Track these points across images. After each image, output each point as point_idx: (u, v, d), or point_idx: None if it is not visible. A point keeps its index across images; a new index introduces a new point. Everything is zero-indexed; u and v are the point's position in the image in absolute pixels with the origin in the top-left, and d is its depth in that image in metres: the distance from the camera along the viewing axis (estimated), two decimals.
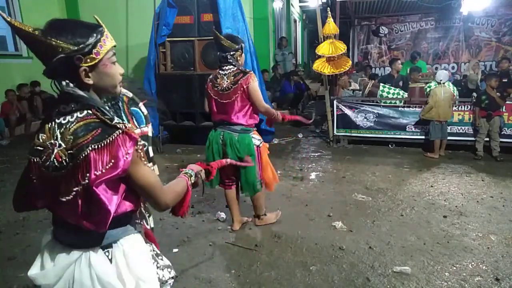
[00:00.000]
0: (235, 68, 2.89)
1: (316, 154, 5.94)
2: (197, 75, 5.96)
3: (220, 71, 2.93)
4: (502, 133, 5.49)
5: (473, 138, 5.63)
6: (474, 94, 5.93)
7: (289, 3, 12.67)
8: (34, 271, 1.26)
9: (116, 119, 1.14)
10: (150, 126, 1.43)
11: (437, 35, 9.51)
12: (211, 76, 3.02)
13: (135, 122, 1.39)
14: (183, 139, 6.47)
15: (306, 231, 3.35)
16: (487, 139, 5.46)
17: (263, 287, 2.58)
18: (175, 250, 3.07)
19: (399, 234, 3.27)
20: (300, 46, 16.43)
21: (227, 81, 2.86)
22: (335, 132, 6.34)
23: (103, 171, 1.08)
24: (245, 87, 2.83)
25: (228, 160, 1.90)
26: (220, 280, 2.66)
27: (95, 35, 1.13)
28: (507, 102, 5.49)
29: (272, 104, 7.80)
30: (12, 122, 7.05)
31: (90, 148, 1.08)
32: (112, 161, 1.09)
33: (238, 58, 2.91)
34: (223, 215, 3.59)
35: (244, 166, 2.94)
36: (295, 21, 14.86)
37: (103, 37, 1.16)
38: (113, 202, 1.14)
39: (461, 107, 5.81)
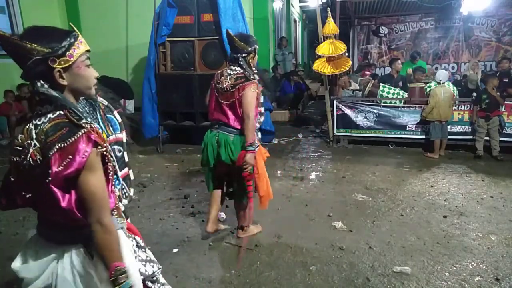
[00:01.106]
0: (241, 71, 2.77)
1: (316, 154, 5.94)
2: (197, 75, 5.96)
3: (228, 70, 2.83)
4: (503, 132, 5.49)
5: (473, 138, 5.63)
6: (474, 94, 5.92)
7: (289, 3, 12.67)
8: (17, 263, 1.32)
9: (84, 120, 1.19)
10: (124, 132, 1.48)
11: (437, 35, 9.50)
12: (219, 71, 2.93)
13: (111, 129, 1.44)
14: (183, 139, 6.46)
15: (306, 231, 3.35)
16: (487, 138, 5.47)
17: (263, 287, 2.58)
18: (175, 250, 3.07)
19: (399, 234, 3.27)
20: (300, 46, 16.42)
21: (228, 82, 2.77)
22: (335, 132, 6.34)
23: (61, 168, 1.13)
24: (241, 93, 2.70)
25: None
26: (220, 280, 2.66)
27: (68, 39, 1.22)
28: (506, 102, 5.49)
29: (272, 104, 7.79)
30: (13, 122, 7.05)
31: (56, 147, 1.13)
32: (69, 157, 1.13)
33: (250, 61, 2.79)
34: (223, 215, 3.59)
35: (235, 170, 2.82)
36: (295, 21, 14.85)
37: (77, 42, 1.24)
38: (67, 200, 1.17)
39: (461, 107, 5.81)
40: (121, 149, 1.43)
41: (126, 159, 1.48)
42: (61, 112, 1.20)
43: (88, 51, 1.28)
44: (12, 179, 1.26)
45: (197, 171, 5.00)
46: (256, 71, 2.85)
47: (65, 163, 1.13)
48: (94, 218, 1.20)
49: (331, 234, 3.30)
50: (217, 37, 5.78)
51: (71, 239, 1.26)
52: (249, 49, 2.75)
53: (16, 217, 3.67)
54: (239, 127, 2.80)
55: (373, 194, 4.20)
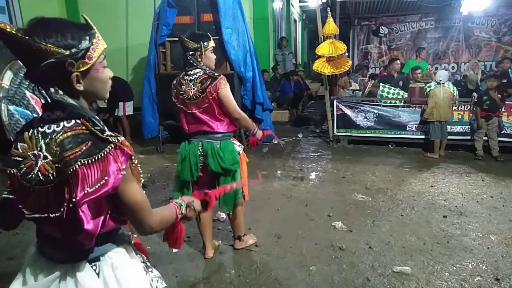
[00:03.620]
0: (202, 72, 2.53)
1: (316, 154, 5.94)
2: None
3: (185, 76, 2.57)
4: (502, 132, 5.49)
5: (472, 138, 5.62)
6: (474, 94, 5.91)
7: (289, 3, 12.67)
8: (16, 286, 1.18)
9: (107, 131, 1.05)
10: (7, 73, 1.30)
11: (437, 35, 9.51)
12: (174, 82, 2.66)
13: None
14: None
15: (306, 231, 3.35)
16: (486, 138, 5.46)
17: (263, 287, 2.58)
18: (175, 250, 3.06)
19: (399, 234, 3.27)
20: (300, 46, 16.43)
21: (193, 89, 2.53)
22: (335, 132, 6.34)
23: (93, 189, 1.00)
24: (214, 94, 2.50)
25: (234, 185, 1.81)
26: (220, 280, 2.66)
27: (88, 37, 1.04)
28: (506, 102, 5.49)
29: (272, 104, 7.79)
30: None
31: (79, 163, 0.98)
32: (105, 178, 1.00)
33: (199, 59, 2.54)
34: (223, 215, 3.58)
35: (225, 177, 2.65)
36: (295, 21, 14.85)
37: (95, 40, 1.06)
38: (92, 221, 1.06)
39: (461, 107, 5.81)
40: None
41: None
42: (78, 121, 1.04)
43: (105, 48, 1.11)
44: (10, 196, 1.11)
45: None
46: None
47: (99, 184, 1.00)
48: (147, 227, 1.15)
49: (331, 234, 3.30)
50: (217, 37, 5.77)
51: (76, 256, 1.14)
52: (196, 45, 2.51)
53: None
54: (222, 129, 2.63)
55: (373, 194, 4.20)
